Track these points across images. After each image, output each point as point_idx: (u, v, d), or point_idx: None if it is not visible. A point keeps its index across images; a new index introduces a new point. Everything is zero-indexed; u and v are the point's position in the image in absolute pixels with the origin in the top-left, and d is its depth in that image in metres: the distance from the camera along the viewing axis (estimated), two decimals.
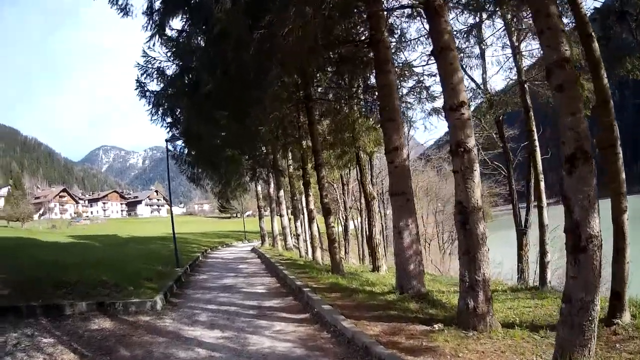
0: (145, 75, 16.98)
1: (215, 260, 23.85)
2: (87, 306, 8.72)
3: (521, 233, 15.54)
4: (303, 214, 24.25)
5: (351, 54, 13.06)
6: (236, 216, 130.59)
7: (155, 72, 16.83)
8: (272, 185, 28.70)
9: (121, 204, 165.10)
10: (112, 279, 11.05)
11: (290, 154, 22.04)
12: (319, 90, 16.75)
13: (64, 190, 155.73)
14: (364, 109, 16.13)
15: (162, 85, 17.27)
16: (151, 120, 17.98)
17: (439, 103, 15.20)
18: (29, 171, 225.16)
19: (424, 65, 17.60)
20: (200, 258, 23.81)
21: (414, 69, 14.92)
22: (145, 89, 17.41)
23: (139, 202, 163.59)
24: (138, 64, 17.00)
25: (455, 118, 6.82)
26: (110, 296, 9.63)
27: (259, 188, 31.81)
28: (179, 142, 22.82)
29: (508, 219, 20.73)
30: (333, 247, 14.38)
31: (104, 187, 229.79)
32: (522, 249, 15.41)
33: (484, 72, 16.01)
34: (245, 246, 39.85)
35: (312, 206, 18.06)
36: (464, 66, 15.21)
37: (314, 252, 19.20)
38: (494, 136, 17.61)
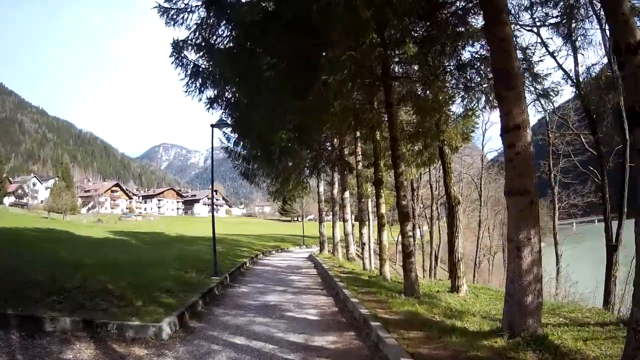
0: (186, 43, 14.72)
1: (264, 268, 21.23)
2: (72, 323, 6.99)
3: (612, 249, 14.37)
4: (369, 219, 21.67)
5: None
6: (297, 219, 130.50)
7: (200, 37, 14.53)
8: (335, 186, 26.17)
9: (177, 201, 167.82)
10: (119, 288, 9.24)
11: (359, 149, 19.50)
12: (397, 70, 14.04)
13: (116, 185, 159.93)
14: (454, 90, 13.22)
15: (204, 52, 14.87)
16: (186, 92, 15.76)
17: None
18: (82, 164, 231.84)
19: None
20: (247, 264, 21.47)
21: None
22: (183, 55, 15.16)
23: (197, 200, 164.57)
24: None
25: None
26: (107, 312, 7.80)
27: (321, 188, 29.19)
28: (230, 131, 21.13)
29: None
30: (409, 262, 11.58)
31: (162, 185, 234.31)
32: (612, 267, 14.23)
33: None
34: (302, 252, 37.44)
35: (383, 210, 15.48)
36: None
37: (382, 265, 16.38)
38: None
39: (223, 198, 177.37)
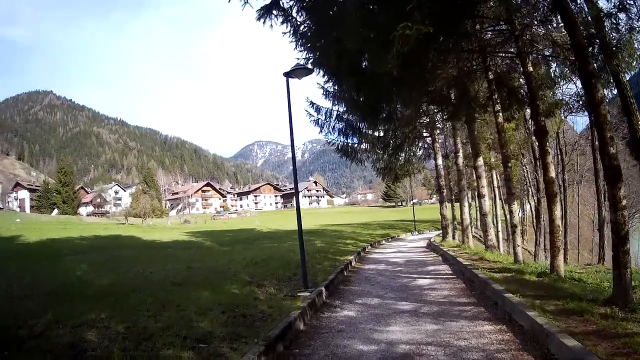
0: None
1: (376, 267, 16.00)
2: None
3: None
4: (527, 193, 15.96)
5: None
6: (401, 204, 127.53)
7: None
8: (460, 153, 20.67)
9: (275, 196, 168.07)
10: (100, 336, 5.91)
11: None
12: None
13: (207, 185, 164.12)
14: None
15: None
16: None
17: None
18: (171, 169, 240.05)
19: None
20: (354, 263, 16.71)
21: None
22: None
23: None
24: None
25: None
26: None
27: (439, 160, 23.51)
28: (322, 83, 18.39)
29: None
30: (623, 250, 6.80)
31: (259, 181, 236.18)
32: None
33: None
34: (416, 240, 31.98)
35: (552, 172, 10.22)
36: None
37: (554, 256, 10.26)
38: None
39: (324, 189, 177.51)
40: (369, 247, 24.93)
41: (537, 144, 11.50)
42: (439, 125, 23.64)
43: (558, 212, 10.24)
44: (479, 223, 34.71)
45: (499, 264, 12.31)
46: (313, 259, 15.80)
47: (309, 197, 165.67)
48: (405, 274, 13.62)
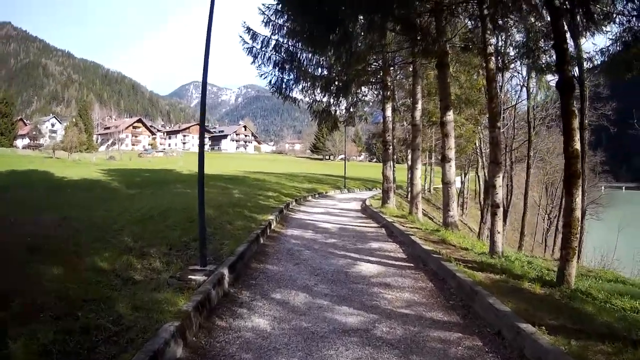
0: None
1: (302, 233, 12.79)
2: None
3: None
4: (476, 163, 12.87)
5: None
6: (329, 158, 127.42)
7: None
8: (419, 104, 17.18)
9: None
10: None
11: None
12: None
13: (139, 121, 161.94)
14: None
15: None
16: None
17: None
18: (108, 103, 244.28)
19: None
20: (274, 224, 13.58)
21: None
22: None
23: (224, 136, 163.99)
24: None
25: None
26: None
27: (388, 112, 19.54)
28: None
29: None
30: None
31: (191, 121, 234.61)
32: None
33: None
34: (348, 199, 28.31)
35: (577, 145, 7.15)
36: None
37: (566, 261, 6.81)
38: None
39: (252, 134, 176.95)
40: (294, 203, 21.69)
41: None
42: (395, 68, 20.46)
43: (579, 200, 7.16)
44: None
45: (472, 253, 9.22)
46: (225, 214, 13.11)
47: (237, 141, 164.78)
48: (340, 250, 10.35)
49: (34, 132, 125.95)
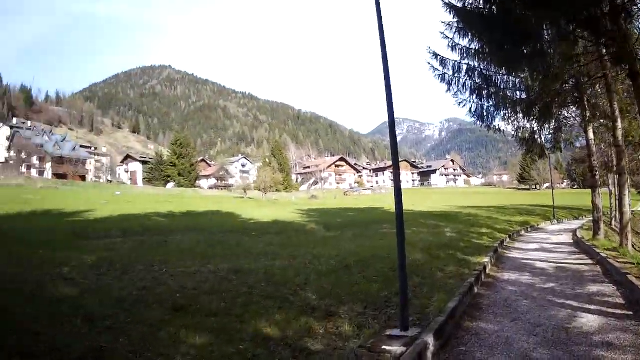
0: None
1: (516, 276, 11.54)
2: None
3: None
4: None
5: None
6: (535, 188, 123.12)
7: None
8: (619, 122, 15.55)
9: (412, 173, 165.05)
10: None
11: None
12: None
13: (341, 159, 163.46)
14: None
15: None
16: None
17: None
18: (305, 143, 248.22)
19: None
20: (489, 268, 12.50)
21: None
22: None
23: (433, 171, 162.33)
24: None
25: None
26: None
27: (591, 134, 18.28)
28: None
29: None
30: None
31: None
32: None
33: None
34: (559, 231, 26.27)
35: None
36: None
37: None
38: None
39: (460, 168, 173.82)
40: (508, 239, 20.52)
41: None
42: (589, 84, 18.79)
43: None
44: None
45: None
46: (435, 259, 12.17)
47: (445, 175, 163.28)
48: (559, 297, 9.17)
49: (221, 173, 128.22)
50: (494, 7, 12.10)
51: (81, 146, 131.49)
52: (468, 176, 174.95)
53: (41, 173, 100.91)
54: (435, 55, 17.03)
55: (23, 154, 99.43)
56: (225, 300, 7.39)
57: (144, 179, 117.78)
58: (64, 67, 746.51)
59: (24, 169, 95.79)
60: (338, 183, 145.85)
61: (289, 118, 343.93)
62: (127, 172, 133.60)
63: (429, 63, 17.14)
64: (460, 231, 20.89)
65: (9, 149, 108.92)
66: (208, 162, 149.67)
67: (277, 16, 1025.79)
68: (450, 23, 16.13)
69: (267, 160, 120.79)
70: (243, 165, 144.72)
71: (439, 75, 16.94)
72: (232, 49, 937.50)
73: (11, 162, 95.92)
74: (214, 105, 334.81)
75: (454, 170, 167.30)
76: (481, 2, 12.83)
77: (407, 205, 35.55)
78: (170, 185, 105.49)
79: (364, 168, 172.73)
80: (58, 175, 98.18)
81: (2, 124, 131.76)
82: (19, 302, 6.35)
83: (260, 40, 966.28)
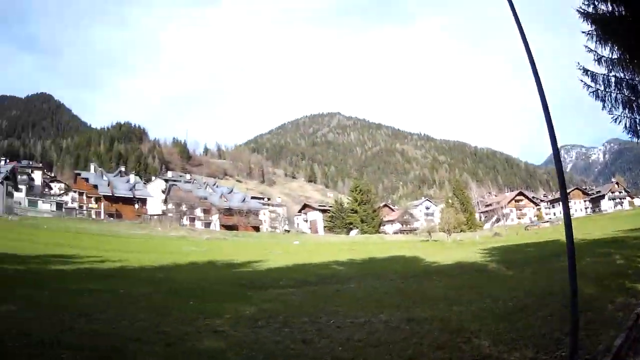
0: None
1: None
2: None
3: None
4: None
5: None
6: None
7: None
8: None
9: (585, 201, 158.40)
10: None
11: None
12: None
13: (520, 194, 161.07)
14: None
15: None
16: None
17: None
18: (485, 180, 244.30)
19: None
20: None
21: None
22: None
23: (602, 197, 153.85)
24: None
25: None
26: None
27: None
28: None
29: None
30: None
31: (569, 186, 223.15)
32: None
33: None
34: None
35: None
36: None
37: None
38: None
39: (625, 189, 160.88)
40: None
41: None
42: None
43: None
44: None
45: None
46: (607, 290, 11.10)
47: (612, 199, 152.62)
48: None
49: (405, 217, 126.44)
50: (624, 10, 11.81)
51: (252, 197, 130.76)
52: (632, 197, 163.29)
53: (207, 225, 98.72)
54: (585, 71, 16.24)
55: (183, 206, 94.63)
56: (391, 352, 7.19)
57: (324, 227, 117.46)
58: (222, 120, 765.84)
59: (185, 221, 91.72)
60: (519, 218, 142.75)
61: (466, 156, 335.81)
62: (306, 221, 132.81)
63: (582, 80, 16.35)
64: (627, 257, 19.09)
65: (165, 201, 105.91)
66: (391, 206, 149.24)
67: (441, 56, 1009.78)
68: (590, 32, 15.36)
69: (450, 200, 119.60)
70: (427, 208, 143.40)
71: (592, 92, 16.08)
72: (403, 91, 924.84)
73: (169, 214, 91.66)
74: (391, 149, 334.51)
75: (620, 192, 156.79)
76: (611, 5, 12.78)
77: (581, 234, 33.26)
78: (354, 232, 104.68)
79: (541, 200, 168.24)
80: (227, 227, 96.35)
81: (154, 177, 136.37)
82: (150, 356, 6.73)
83: (428, 80, 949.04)
